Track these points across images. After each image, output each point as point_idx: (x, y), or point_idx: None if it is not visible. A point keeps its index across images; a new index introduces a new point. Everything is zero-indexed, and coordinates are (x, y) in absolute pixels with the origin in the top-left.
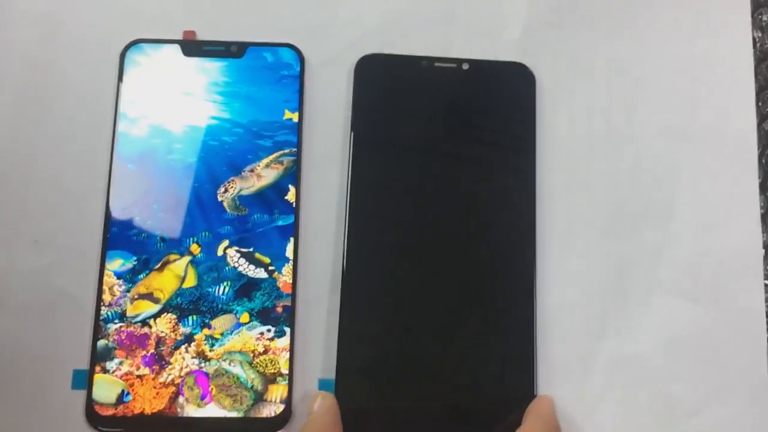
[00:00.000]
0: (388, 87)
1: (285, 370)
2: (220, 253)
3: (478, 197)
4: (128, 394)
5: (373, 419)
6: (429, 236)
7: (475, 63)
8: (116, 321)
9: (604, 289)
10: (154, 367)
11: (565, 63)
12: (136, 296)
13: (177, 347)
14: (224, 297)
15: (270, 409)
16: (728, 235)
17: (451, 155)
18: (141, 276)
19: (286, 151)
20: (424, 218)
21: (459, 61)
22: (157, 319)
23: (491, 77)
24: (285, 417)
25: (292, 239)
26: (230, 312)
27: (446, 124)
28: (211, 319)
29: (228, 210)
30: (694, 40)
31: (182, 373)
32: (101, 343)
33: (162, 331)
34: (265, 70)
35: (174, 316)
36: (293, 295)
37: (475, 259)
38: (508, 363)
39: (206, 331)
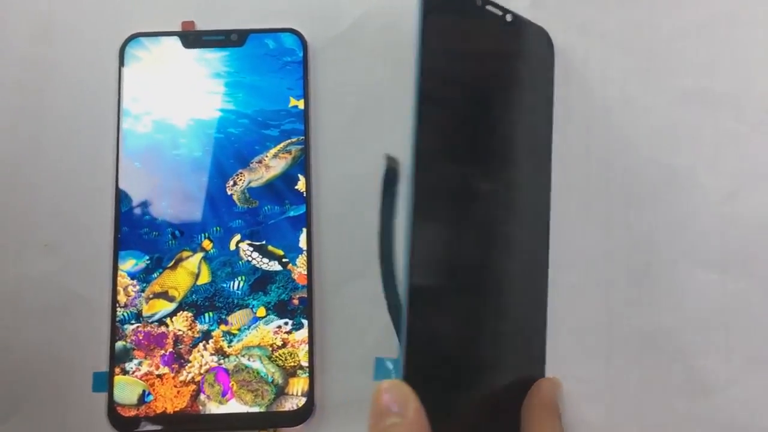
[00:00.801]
0: (450, 21)
1: (305, 363)
2: (232, 247)
3: (521, 160)
4: (149, 394)
5: (443, 404)
6: (479, 198)
7: (516, 17)
8: (133, 321)
9: (626, 262)
10: (173, 365)
11: (575, 28)
12: (150, 296)
13: (195, 345)
14: (239, 292)
15: (292, 403)
16: (755, 201)
17: (492, 111)
18: (154, 275)
19: (294, 139)
20: (481, 174)
21: (505, 11)
22: (174, 318)
23: (528, 35)
24: (307, 410)
25: (304, 229)
26: (246, 307)
27: (489, 76)
28: (228, 314)
29: (238, 203)
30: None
31: (202, 371)
32: (119, 344)
33: (179, 330)
34: (268, 57)
35: (190, 314)
36: (309, 286)
37: (509, 230)
38: (526, 342)
39: (223, 327)
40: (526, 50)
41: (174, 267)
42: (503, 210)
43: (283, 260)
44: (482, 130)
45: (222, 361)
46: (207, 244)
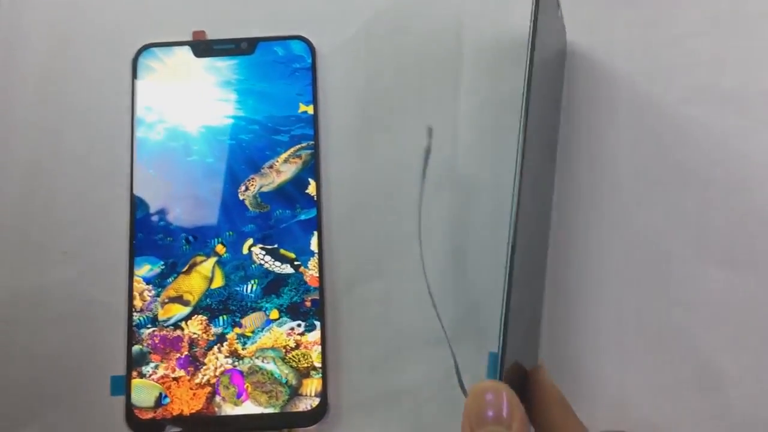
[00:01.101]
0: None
1: (318, 364)
2: (245, 251)
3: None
4: (166, 396)
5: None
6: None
7: (562, 13)
8: (149, 326)
9: (636, 260)
10: (189, 368)
11: (581, 26)
12: (166, 300)
13: (210, 348)
14: (252, 295)
15: (306, 403)
16: (763, 197)
17: (544, 105)
18: (169, 280)
19: (304, 144)
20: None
21: (558, 5)
22: (189, 321)
23: (562, 32)
24: (321, 410)
25: (315, 233)
26: (259, 309)
27: (550, 69)
28: (241, 317)
29: (250, 208)
30: None
31: (217, 373)
32: (136, 348)
33: (194, 333)
34: (277, 64)
35: (205, 317)
36: (321, 289)
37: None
38: (534, 332)
39: (237, 329)
40: (561, 46)
41: (188, 272)
42: (537, 202)
43: (295, 263)
44: (541, 123)
45: (236, 363)
46: (220, 248)
